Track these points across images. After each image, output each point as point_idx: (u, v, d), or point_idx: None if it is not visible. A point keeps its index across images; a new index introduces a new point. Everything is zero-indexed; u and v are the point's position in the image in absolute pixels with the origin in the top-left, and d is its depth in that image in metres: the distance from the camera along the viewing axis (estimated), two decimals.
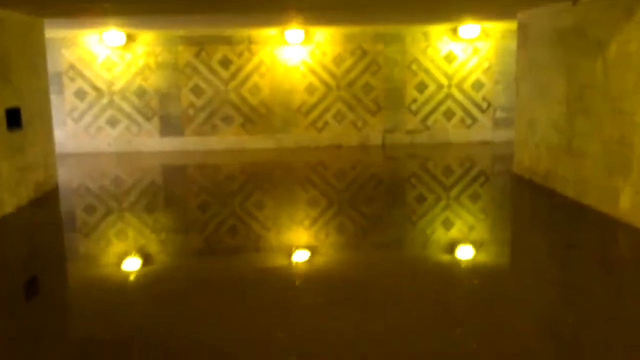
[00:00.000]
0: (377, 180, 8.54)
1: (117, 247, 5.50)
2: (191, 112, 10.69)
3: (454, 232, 5.75)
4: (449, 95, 10.91)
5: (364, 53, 10.72)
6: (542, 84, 7.32)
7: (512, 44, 10.44)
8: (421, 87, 10.87)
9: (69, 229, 6.28)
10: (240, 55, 10.61)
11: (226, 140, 10.77)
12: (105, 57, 10.44)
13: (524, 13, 7.79)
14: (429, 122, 10.97)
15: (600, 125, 5.98)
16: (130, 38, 10.32)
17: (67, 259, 5.27)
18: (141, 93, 10.55)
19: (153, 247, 5.42)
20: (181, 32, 10.27)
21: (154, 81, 10.53)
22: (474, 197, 7.28)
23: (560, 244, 5.29)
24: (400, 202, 7.08)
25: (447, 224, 6.02)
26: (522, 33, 7.88)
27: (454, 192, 7.42)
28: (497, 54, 10.81)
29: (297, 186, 8.03)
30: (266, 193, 7.68)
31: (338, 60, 10.75)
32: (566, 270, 4.61)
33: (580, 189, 6.40)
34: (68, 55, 10.43)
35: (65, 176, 8.61)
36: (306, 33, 10.33)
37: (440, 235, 5.67)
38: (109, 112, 10.60)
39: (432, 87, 10.88)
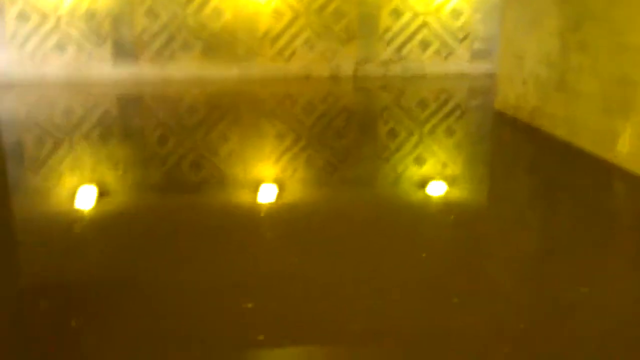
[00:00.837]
0: (348, 113, 8.52)
1: (68, 181, 5.39)
2: (146, 37, 10.29)
3: (428, 170, 5.77)
4: (424, 24, 10.71)
5: None
6: (532, 13, 7.06)
7: None
8: (396, 14, 10.64)
9: (14, 163, 6.10)
10: None
11: (186, 68, 10.43)
12: None
13: None
14: (404, 52, 10.81)
15: (599, 61, 5.69)
16: None
17: (12, 194, 5.17)
18: (90, 16, 10.05)
19: (109, 182, 5.33)
20: None
21: (104, 2, 10.01)
22: (451, 133, 7.31)
23: (545, 187, 5.20)
24: (371, 137, 7.06)
25: (421, 161, 6.06)
26: None
27: (428, 127, 7.43)
28: None
29: (262, 119, 7.94)
30: (230, 126, 7.59)
31: None
32: (550, 216, 4.54)
33: (571, 130, 6.21)
34: None
35: (8, 108, 8.34)
36: None
37: (413, 172, 5.71)
38: (56, 37, 10.09)
39: (407, 15, 10.65)
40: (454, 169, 5.92)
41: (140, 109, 9.02)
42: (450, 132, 7.38)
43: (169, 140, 6.89)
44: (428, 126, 7.61)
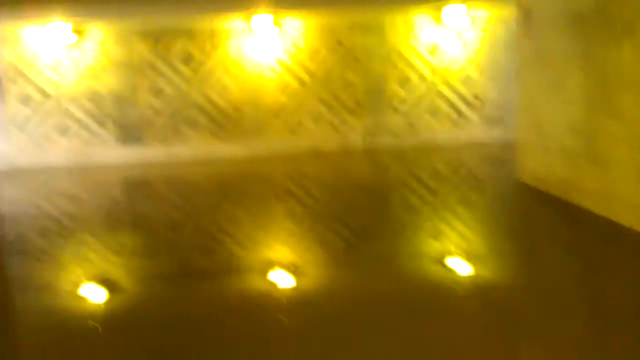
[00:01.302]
0: (360, 187, 8.42)
1: (74, 275, 5.20)
2: (151, 116, 10.38)
3: (449, 245, 5.60)
4: (434, 91, 10.79)
5: (341, 45, 10.54)
6: (553, 78, 6.85)
7: (503, 33, 10.66)
8: (404, 82, 10.74)
9: (16, 256, 5.91)
10: (202, 49, 10.32)
11: (193, 148, 10.50)
12: (51, 55, 10.03)
13: None
14: (414, 121, 10.85)
15: (631, 126, 5.38)
16: (79, 34, 9.96)
17: (14, 290, 4.97)
18: (94, 96, 10.19)
19: (117, 273, 5.16)
20: (136, 25, 9.95)
21: (108, 82, 10.18)
22: (470, 205, 7.15)
23: (582, 267, 4.87)
24: (386, 212, 6.98)
25: (441, 236, 5.89)
26: (525, 19, 7.39)
27: (445, 199, 7.33)
28: (486, 44, 10.74)
29: (273, 198, 7.92)
30: (241, 207, 7.48)
31: (312, 53, 10.53)
32: (594, 302, 4.17)
33: (605, 203, 5.81)
34: (7, 53, 9.98)
35: (10, 196, 8.30)
36: (276, 23, 10.10)
37: (434, 249, 5.52)
38: (58, 119, 10.21)
39: (416, 82, 10.75)
40: (477, 244, 5.72)
41: (147, 192, 8.94)
42: (468, 205, 7.22)
43: (178, 225, 6.80)
44: (444, 198, 7.51)
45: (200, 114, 10.48)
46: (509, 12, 10.27)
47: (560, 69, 6.68)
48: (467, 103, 10.92)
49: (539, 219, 6.43)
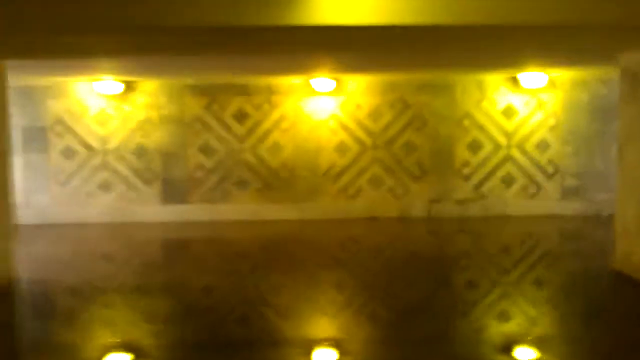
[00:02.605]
0: (419, 260, 8.17)
1: (100, 339, 5.18)
2: (199, 174, 10.52)
3: (518, 332, 5.24)
4: (508, 158, 10.59)
5: (406, 106, 10.53)
6: None
7: (583, 97, 10.52)
8: (474, 147, 10.59)
9: (44, 315, 5.93)
10: (258, 107, 10.50)
11: (240, 209, 10.55)
12: (99, 108, 10.38)
13: (632, 55, 6.92)
14: (484, 189, 10.65)
15: None
16: (129, 87, 10.27)
17: (41, 353, 4.95)
18: (141, 152, 10.43)
19: (145, 340, 5.06)
20: (189, 80, 10.24)
21: (157, 138, 10.43)
22: (542, 285, 6.80)
23: None
24: (447, 288, 6.77)
25: (508, 321, 5.58)
26: (629, 81, 7.00)
27: (519, 279, 7.02)
28: (566, 108, 10.53)
29: (323, 266, 7.79)
30: (286, 274, 7.35)
31: (375, 114, 10.55)
32: None
33: None
34: (55, 106, 10.36)
35: (43, 251, 8.45)
36: (337, 81, 10.21)
37: (498, 334, 5.22)
38: (102, 175, 10.47)
39: (487, 147, 10.59)
40: (550, 330, 5.35)
41: (187, 254, 8.89)
42: (541, 285, 6.88)
43: (216, 290, 6.71)
44: (515, 276, 7.22)
45: (250, 174, 10.56)
46: (592, 75, 10.16)
47: None
48: (543, 172, 10.65)
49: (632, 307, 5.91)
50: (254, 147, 10.55)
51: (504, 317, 5.66)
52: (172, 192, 10.54)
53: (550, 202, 10.66)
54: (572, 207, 10.61)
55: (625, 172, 7.10)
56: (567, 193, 10.65)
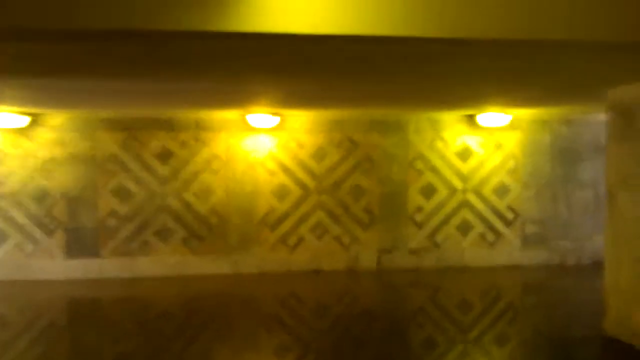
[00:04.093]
0: (370, 317, 8.15)
1: None
2: (113, 222, 9.86)
3: None
4: (464, 203, 10.53)
5: (354, 145, 10.31)
6: None
7: (544, 138, 10.59)
8: (428, 191, 10.48)
9: None
10: (184, 145, 9.98)
11: (162, 263, 9.99)
12: None
13: (624, 88, 6.68)
14: (439, 238, 10.53)
15: None
16: (35, 120, 9.52)
17: None
18: (41, 196, 9.66)
19: None
20: (103, 113, 9.57)
21: (62, 179, 9.70)
22: (506, 342, 6.79)
23: None
24: (402, 348, 6.76)
25: None
26: (621, 119, 6.75)
27: (476, 335, 6.98)
28: (526, 149, 10.59)
29: (260, 327, 7.62)
30: (217, 339, 7.15)
31: (319, 154, 10.27)
32: None
33: None
34: None
35: None
36: (277, 117, 9.81)
37: None
38: None
39: (442, 192, 10.49)
40: None
41: (97, 317, 8.37)
42: (505, 341, 6.98)
43: None
44: (475, 333, 7.21)
45: (174, 222, 10.01)
46: (553, 114, 10.16)
47: None
48: (503, 218, 10.64)
49: None
50: (179, 190, 10.02)
51: None
52: (79, 243, 9.81)
53: (510, 250, 10.70)
54: (533, 256, 10.67)
55: (616, 223, 6.80)
56: (528, 241, 10.70)
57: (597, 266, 9.75)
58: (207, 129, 10.05)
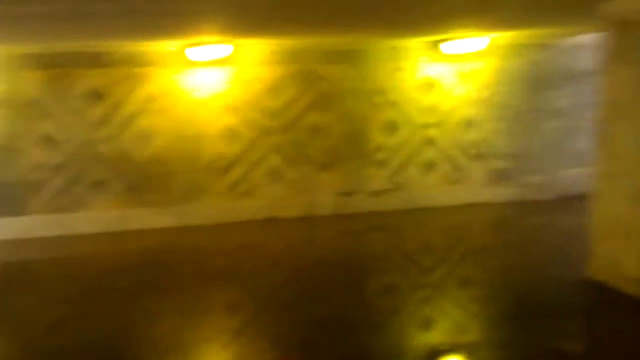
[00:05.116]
0: (328, 267, 8.06)
1: None
2: (40, 175, 9.33)
3: (447, 341, 5.45)
4: (428, 140, 10.36)
5: (309, 80, 9.93)
6: None
7: (516, 65, 10.32)
8: (389, 127, 10.25)
9: None
10: (118, 84, 9.39)
11: (97, 218, 9.54)
12: None
13: (621, 3, 6.14)
14: (401, 178, 10.40)
15: None
16: None
17: None
18: None
19: None
20: (24, 48, 8.88)
21: None
22: (473, 289, 6.86)
23: None
24: (362, 299, 6.83)
25: (435, 329, 5.79)
26: (618, 37, 6.29)
27: (440, 279, 7.20)
28: (496, 78, 10.39)
29: (208, 284, 7.59)
30: (162, 298, 7.06)
31: (272, 90, 9.84)
32: None
33: None
34: None
35: None
36: (224, 49, 9.24)
37: (424, 344, 5.48)
38: None
39: (405, 129, 10.27)
40: (478, 336, 5.63)
41: (27, 280, 8.07)
42: (467, 287, 7.10)
43: (69, 325, 6.26)
44: (439, 278, 7.46)
45: (110, 172, 9.52)
46: (532, 38, 9.91)
47: None
48: (469, 154, 10.57)
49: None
50: (114, 136, 9.48)
51: (428, 325, 5.93)
52: (2, 200, 9.35)
53: (476, 188, 10.72)
54: (502, 194, 10.64)
55: (611, 156, 6.49)
56: (496, 177, 10.68)
57: (568, 202, 9.90)
58: (143, 65, 9.52)
